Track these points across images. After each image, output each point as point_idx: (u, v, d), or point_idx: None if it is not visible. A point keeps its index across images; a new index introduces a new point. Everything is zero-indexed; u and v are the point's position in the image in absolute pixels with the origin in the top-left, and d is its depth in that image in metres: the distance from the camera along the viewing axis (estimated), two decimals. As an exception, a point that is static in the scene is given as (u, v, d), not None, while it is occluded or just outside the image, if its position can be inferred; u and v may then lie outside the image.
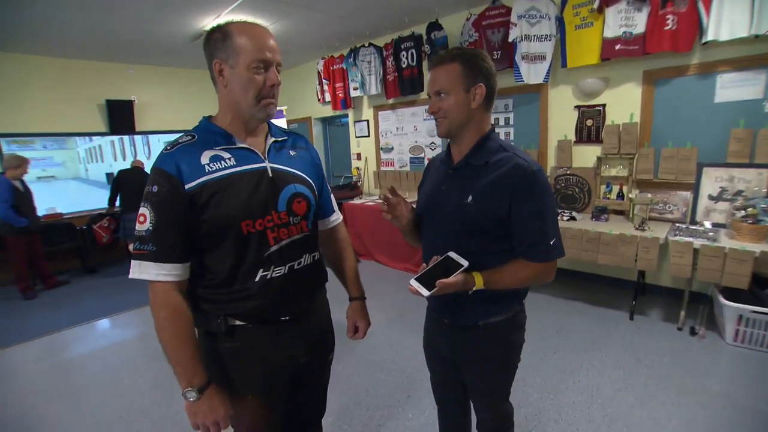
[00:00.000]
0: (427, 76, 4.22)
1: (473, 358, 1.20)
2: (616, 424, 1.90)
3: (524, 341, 1.24)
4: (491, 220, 1.04)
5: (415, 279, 1.00)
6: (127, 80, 5.30)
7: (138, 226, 0.94)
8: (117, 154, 17.91)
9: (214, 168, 0.96)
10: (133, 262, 0.94)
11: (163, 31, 4.08)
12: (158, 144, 13.03)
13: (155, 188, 0.93)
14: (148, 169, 4.78)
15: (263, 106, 0.99)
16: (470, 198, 1.05)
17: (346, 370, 2.47)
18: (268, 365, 1.07)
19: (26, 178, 4.12)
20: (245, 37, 0.93)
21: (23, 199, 3.98)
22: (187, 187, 0.93)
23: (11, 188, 3.87)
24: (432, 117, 1.12)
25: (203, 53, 0.99)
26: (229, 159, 0.99)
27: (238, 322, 1.03)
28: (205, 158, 0.96)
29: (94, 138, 20.09)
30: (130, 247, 4.74)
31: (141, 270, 0.93)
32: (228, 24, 0.96)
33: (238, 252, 0.99)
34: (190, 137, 0.99)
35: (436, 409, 1.48)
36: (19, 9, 3.29)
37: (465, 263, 1.00)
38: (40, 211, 4.28)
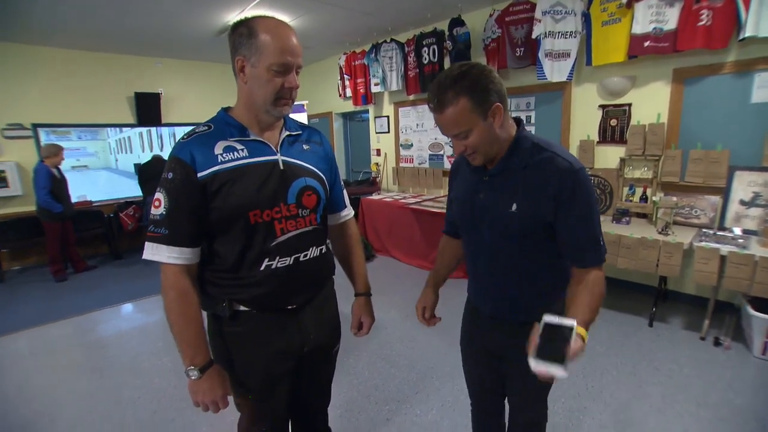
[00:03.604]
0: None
1: (519, 355, 1.12)
2: (629, 432, 1.85)
3: None
4: (538, 227, 1.00)
5: (534, 359, 0.85)
6: (154, 73, 5.47)
7: (153, 210, 0.99)
8: (145, 146, 18.50)
9: (227, 158, 0.99)
10: (147, 243, 0.98)
11: (189, 26, 4.19)
12: (184, 136, 13.36)
13: (170, 175, 0.97)
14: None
15: (279, 107, 1.01)
16: (514, 207, 1.00)
17: (357, 363, 2.49)
18: (270, 351, 1.09)
19: (62, 166, 4.30)
20: (270, 38, 0.94)
21: (59, 186, 4.18)
22: (199, 175, 0.96)
23: (50, 175, 4.07)
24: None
25: (227, 47, 1.01)
26: (242, 150, 1.01)
27: (242, 308, 1.06)
28: (218, 148, 0.99)
29: (124, 129, 20.82)
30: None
31: (154, 252, 0.98)
32: (255, 20, 0.96)
33: (245, 240, 1.02)
34: (206, 127, 1.02)
35: (471, 407, 1.44)
36: (55, 6, 3.44)
37: (572, 323, 0.88)
38: (72, 198, 4.49)
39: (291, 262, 1.07)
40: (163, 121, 5.56)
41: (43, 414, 2.15)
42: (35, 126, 4.69)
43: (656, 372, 2.30)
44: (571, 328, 0.87)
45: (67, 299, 3.84)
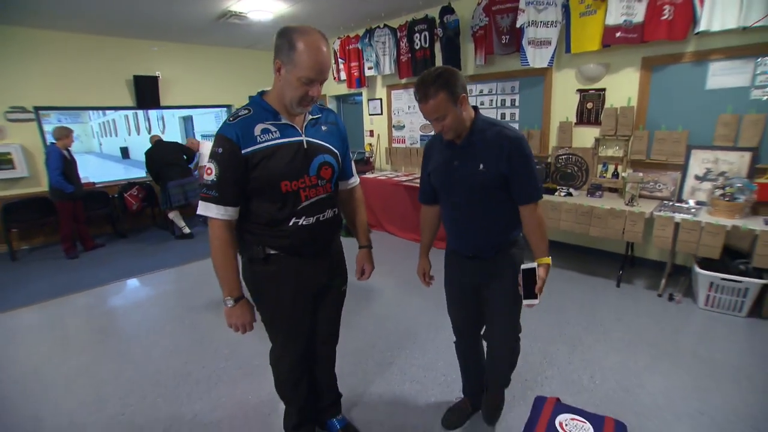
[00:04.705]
0: (438, 58, 4.44)
1: (496, 279, 1.52)
2: (592, 366, 2.24)
3: (523, 259, 1.55)
4: (499, 179, 1.38)
5: (524, 299, 1.40)
6: (152, 57, 5.55)
7: (205, 176, 1.27)
8: (131, 128, 18.17)
9: (264, 139, 1.26)
10: (200, 202, 1.27)
11: (187, 10, 4.29)
12: (172, 119, 13.25)
13: (220, 150, 1.23)
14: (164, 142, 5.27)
15: (300, 106, 1.28)
16: (481, 166, 1.38)
17: (362, 321, 2.83)
18: (295, 285, 1.41)
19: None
20: (305, 55, 1.15)
21: (70, 167, 4.34)
22: (243, 151, 1.23)
23: (62, 157, 4.23)
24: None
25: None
26: (275, 132, 1.28)
27: (272, 252, 1.36)
28: (257, 130, 1.26)
29: (107, 112, 20.34)
30: (170, 213, 5.06)
31: (206, 209, 1.26)
32: (297, 35, 1.16)
33: (277, 204, 1.30)
34: (246, 111, 1.28)
35: (454, 341, 1.80)
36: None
37: (533, 264, 1.40)
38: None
39: (313, 221, 1.37)
40: (162, 104, 5.68)
41: (82, 369, 2.43)
42: (37, 109, 4.79)
43: (618, 322, 2.69)
44: (533, 268, 1.39)
45: (82, 273, 4.07)
